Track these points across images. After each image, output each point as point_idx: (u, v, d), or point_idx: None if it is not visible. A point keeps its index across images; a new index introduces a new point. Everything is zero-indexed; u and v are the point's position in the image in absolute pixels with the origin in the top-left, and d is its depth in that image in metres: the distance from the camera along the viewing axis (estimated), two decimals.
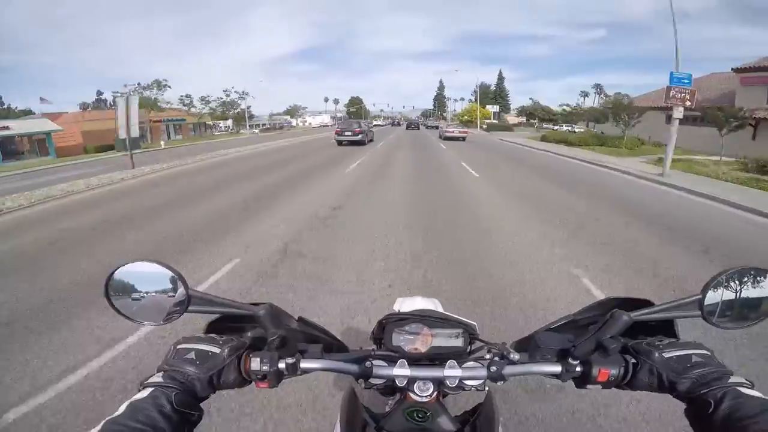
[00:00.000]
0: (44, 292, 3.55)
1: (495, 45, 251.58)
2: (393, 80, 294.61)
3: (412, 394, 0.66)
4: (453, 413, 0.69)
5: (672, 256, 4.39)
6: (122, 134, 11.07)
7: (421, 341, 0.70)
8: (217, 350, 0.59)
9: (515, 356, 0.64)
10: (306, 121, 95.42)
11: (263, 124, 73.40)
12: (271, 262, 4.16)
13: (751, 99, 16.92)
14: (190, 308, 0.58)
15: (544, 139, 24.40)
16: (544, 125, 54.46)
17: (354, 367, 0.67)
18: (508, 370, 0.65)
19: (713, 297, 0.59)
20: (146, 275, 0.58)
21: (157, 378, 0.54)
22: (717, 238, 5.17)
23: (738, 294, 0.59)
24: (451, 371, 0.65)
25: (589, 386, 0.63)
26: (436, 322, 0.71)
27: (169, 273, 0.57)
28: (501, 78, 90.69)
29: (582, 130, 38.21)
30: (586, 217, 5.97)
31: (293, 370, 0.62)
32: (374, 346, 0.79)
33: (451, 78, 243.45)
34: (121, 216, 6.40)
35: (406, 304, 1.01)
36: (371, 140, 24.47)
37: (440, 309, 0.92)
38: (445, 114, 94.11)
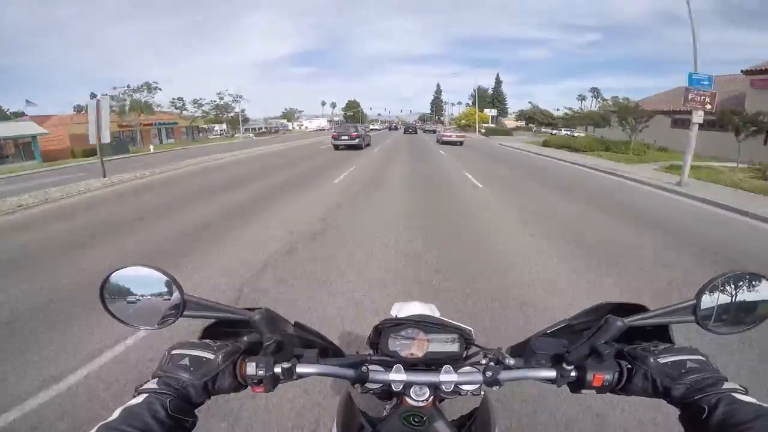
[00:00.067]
0: None
1: (492, 49, 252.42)
2: (390, 84, 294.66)
3: (408, 399, 0.66)
4: (450, 418, 0.69)
5: None
6: (92, 139, 10.11)
7: (417, 346, 0.70)
8: (211, 356, 0.58)
9: (510, 361, 0.65)
10: (303, 125, 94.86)
11: (259, 128, 72.64)
12: None
13: (764, 102, 16.21)
14: (185, 313, 0.59)
15: (545, 143, 23.62)
16: (543, 129, 53.96)
17: (350, 372, 0.66)
18: (504, 375, 0.64)
19: (708, 302, 0.59)
20: (141, 279, 0.58)
21: (152, 384, 0.54)
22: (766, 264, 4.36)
23: (732, 299, 0.59)
24: (447, 376, 0.65)
25: (583, 391, 0.63)
26: (432, 327, 0.71)
27: (164, 277, 0.58)
28: (498, 82, 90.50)
29: (581, 134, 37.60)
30: (614, 242, 5.04)
31: (289, 374, 0.61)
32: (370, 351, 0.76)
33: (448, 82, 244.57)
34: (55, 242, 5.28)
35: (403, 310, 1.00)
36: (368, 144, 24.25)
37: (437, 314, 0.90)
38: (442, 118, 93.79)
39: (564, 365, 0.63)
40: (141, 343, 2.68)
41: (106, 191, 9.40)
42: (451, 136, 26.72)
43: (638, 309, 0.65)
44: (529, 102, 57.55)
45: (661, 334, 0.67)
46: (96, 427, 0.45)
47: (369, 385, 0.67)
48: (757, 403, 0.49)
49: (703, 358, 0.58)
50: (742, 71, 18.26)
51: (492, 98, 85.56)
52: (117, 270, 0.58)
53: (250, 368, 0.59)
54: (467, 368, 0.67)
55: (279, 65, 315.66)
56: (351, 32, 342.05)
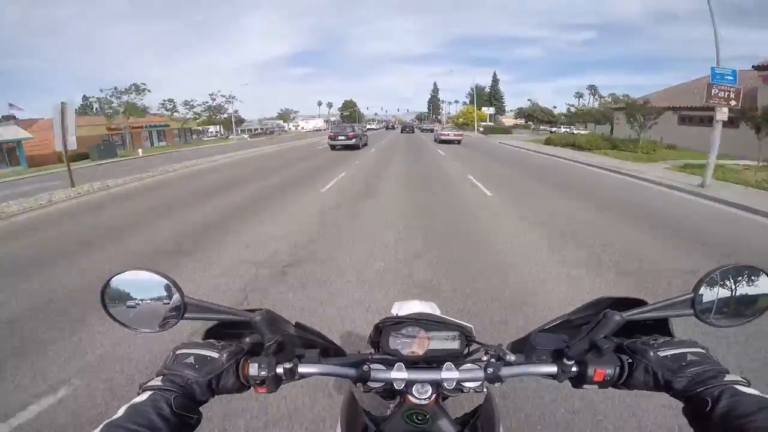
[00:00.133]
0: None
1: (488, 47, 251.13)
2: (387, 83, 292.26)
3: (411, 397, 0.66)
4: (454, 415, 0.69)
5: None
6: (58, 146, 9.21)
7: (418, 344, 0.70)
8: (215, 355, 0.58)
9: (511, 357, 0.65)
10: (299, 126, 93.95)
11: (255, 129, 71.69)
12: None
13: None
14: (186, 315, 0.59)
15: (548, 142, 22.75)
16: (542, 127, 53.22)
17: (351, 371, 0.66)
18: (505, 371, 0.65)
19: (706, 295, 0.59)
20: (141, 283, 0.59)
21: (157, 382, 0.54)
22: None
23: (730, 292, 0.59)
24: (449, 373, 0.65)
25: (585, 386, 0.62)
26: (433, 325, 0.71)
27: (164, 281, 0.58)
28: (495, 80, 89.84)
29: (582, 132, 36.88)
30: (662, 271, 4.07)
31: (291, 374, 0.61)
32: (372, 350, 0.76)
33: (445, 80, 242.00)
34: None
35: (403, 308, 1.00)
36: (365, 144, 23.88)
37: (438, 312, 0.92)
38: (439, 117, 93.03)
39: (565, 360, 0.62)
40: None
41: (69, 204, 8.45)
42: (448, 134, 26.60)
43: (637, 303, 0.64)
44: (528, 99, 56.88)
45: (661, 327, 0.67)
46: (101, 425, 0.45)
47: (371, 384, 0.67)
48: (760, 394, 0.49)
49: (703, 351, 0.57)
50: (753, 67, 17.59)
51: (489, 96, 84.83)
52: (117, 274, 0.58)
53: (253, 369, 0.59)
54: (468, 365, 0.67)
55: (275, 66, 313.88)
56: (347, 32, 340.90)
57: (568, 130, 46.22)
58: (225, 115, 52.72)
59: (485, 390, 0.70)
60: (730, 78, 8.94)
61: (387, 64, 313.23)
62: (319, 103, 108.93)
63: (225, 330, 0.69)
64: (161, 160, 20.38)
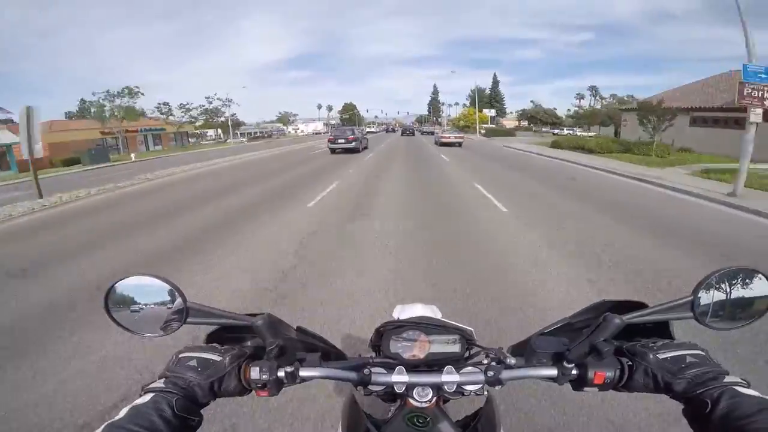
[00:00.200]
0: None
1: (488, 49, 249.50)
2: (387, 86, 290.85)
3: (411, 400, 0.66)
4: (454, 418, 0.68)
5: None
6: (24, 152, 8.37)
7: (418, 348, 0.70)
8: (218, 358, 0.59)
9: (512, 360, 0.65)
10: (298, 129, 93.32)
11: (254, 133, 71.08)
12: None
13: None
14: (188, 320, 0.59)
15: (555, 145, 21.86)
16: (544, 129, 52.54)
17: (352, 375, 0.66)
18: (506, 374, 0.65)
19: (705, 298, 0.58)
20: (144, 288, 0.59)
21: (159, 383, 0.54)
22: None
23: (729, 295, 0.59)
24: (449, 377, 0.65)
25: (585, 389, 0.63)
26: (433, 329, 0.71)
27: (167, 286, 0.59)
28: (496, 81, 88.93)
29: (585, 134, 36.10)
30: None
31: (292, 378, 0.61)
32: (373, 354, 0.76)
33: (445, 83, 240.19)
34: None
35: (404, 312, 1.00)
36: (366, 147, 23.47)
37: (439, 316, 0.91)
38: (440, 119, 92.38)
39: (565, 363, 0.62)
40: None
41: (31, 218, 7.57)
42: (449, 137, 26.16)
43: (637, 306, 0.64)
44: (531, 101, 56.07)
45: (661, 331, 0.67)
46: (103, 426, 0.45)
47: (372, 387, 0.67)
48: (760, 396, 0.49)
49: (703, 353, 0.58)
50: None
51: (490, 98, 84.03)
52: (120, 279, 0.59)
53: (254, 372, 0.59)
54: (469, 368, 0.67)
55: (274, 69, 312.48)
56: (346, 35, 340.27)
57: (571, 132, 45.46)
58: (222, 119, 51.94)
59: (486, 393, 0.70)
60: (763, 76, 8.10)
61: (387, 66, 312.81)
62: (319, 106, 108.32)
63: (226, 334, 0.69)
64: (151, 165, 19.58)
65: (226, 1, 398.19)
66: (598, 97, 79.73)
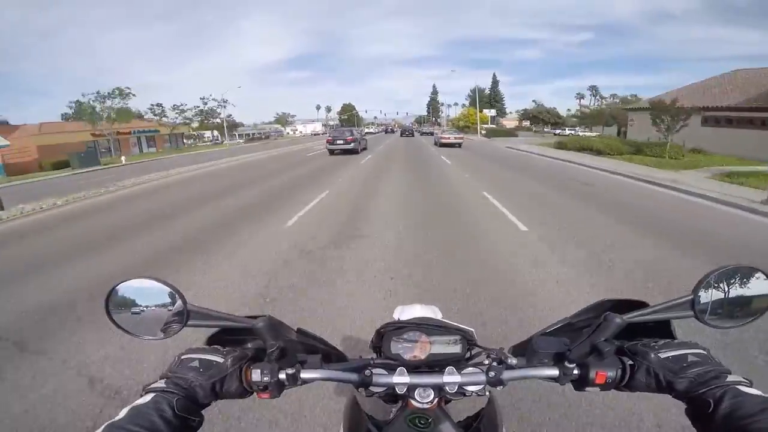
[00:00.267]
0: None
1: (487, 49, 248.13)
2: (385, 86, 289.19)
3: (413, 401, 0.66)
4: (456, 419, 0.68)
5: None
6: None
7: (419, 348, 0.70)
8: (220, 359, 0.59)
9: (513, 361, 0.65)
10: (297, 130, 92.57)
11: (252, 134, 70.36)
12: None
13: None
14: (189, 322, 0.59)
15: (560, 146, 21.00)
16: (545, 129, 51.80)
17: (354, 376, 0.66)
18: (507, 374, 0.65)
19: (705, 297, 0.58)
20: (145, 291, 0.59)
21: (160, 384, 0.54)
22: None
23: (729, 293, 0.58)
24: (450, 377, 0.65)
25: (587, 389, 0.62)
26: (434, 330, 0.70)
27: (167, 288, 0.58)
28: (495, 81, 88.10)
29: (588, 134, 35.34)
30: None
31: (294, 380, 0.61)
32: (374, 355, 0.76)
33: (444, 83, 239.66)
34: None
35: (405, 313, 0.99)
36: (365, 148, 22.94)
37: (439, 316, 0.90)
38: (439, 120, 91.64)
39: (566, 363, 0.62)
40: None
41: None
42: (449, 138, 25.83)
43: (638, 305, 0.64)
44: (533, 100, 55.26)
45: (662, 330, 0.66)
46: (103, 426, 0.45)
47: (373, 389, 0.67)
48: (763, 395, 0.48)
49: (704, 352, 0.57)
50: None
51: (489, 98, 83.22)
52: (121, 282, 0.58)
53: (255, 374, 0.59)
54: (470, 369, 0.67)
55: (272, 69, 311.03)
56: (346, 35, 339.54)
57: (573, 132, 44.69)
58: (218, 120, 51.11)
59: (487, 393, 0.70)
60: None
61: (386, 66, 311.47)
62: (318, 107, 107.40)
63: (227, 336, 0.69)
64: (137, 169, 18.72)
65: (225, 1, 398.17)
66: (598, 97, 79.03)
